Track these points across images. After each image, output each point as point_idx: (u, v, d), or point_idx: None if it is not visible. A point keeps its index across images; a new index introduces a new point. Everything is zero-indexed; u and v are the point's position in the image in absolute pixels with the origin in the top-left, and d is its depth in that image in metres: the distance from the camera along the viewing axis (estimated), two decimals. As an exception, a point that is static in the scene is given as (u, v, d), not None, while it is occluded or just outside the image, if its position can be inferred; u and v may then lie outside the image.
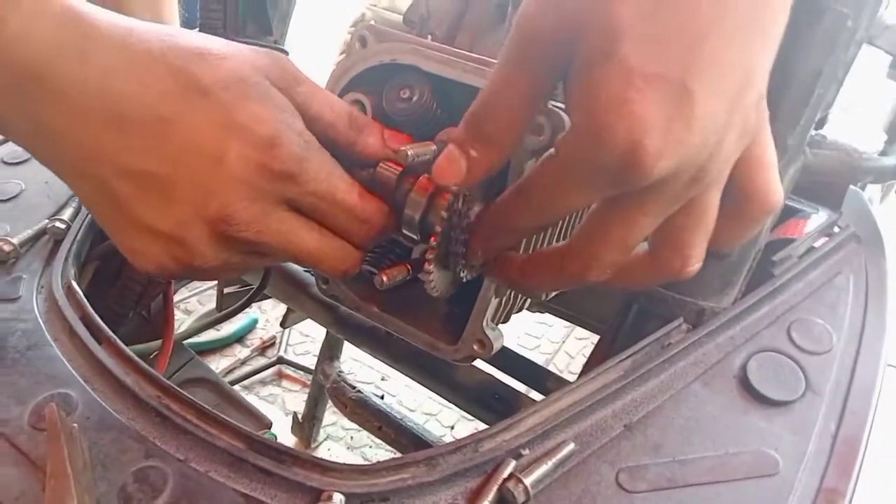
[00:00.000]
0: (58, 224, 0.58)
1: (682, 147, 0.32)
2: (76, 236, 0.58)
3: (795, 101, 0.47)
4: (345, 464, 0.43)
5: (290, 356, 1.37)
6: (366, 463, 0.43)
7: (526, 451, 0.43)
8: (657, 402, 0.46)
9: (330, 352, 1.09)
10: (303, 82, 0.45)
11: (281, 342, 1.40)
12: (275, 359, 1.35)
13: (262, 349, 1.39)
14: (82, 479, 0.40)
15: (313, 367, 1.14)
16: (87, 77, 0.40)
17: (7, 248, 0.56)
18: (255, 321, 1.42)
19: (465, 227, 0.46)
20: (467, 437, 0.44)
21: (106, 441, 0.44)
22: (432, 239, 0.46)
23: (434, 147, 0.49)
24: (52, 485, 0.38)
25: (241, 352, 1.40)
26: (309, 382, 1.29)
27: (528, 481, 0.40)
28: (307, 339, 1.44)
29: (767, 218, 0.40)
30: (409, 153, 0.47)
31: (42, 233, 0.58)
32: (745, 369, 0.46)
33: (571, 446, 0.43)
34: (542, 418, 0.44)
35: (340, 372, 1.07)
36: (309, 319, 0.91)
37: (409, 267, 0.52)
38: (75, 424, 0.44)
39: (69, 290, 0.53)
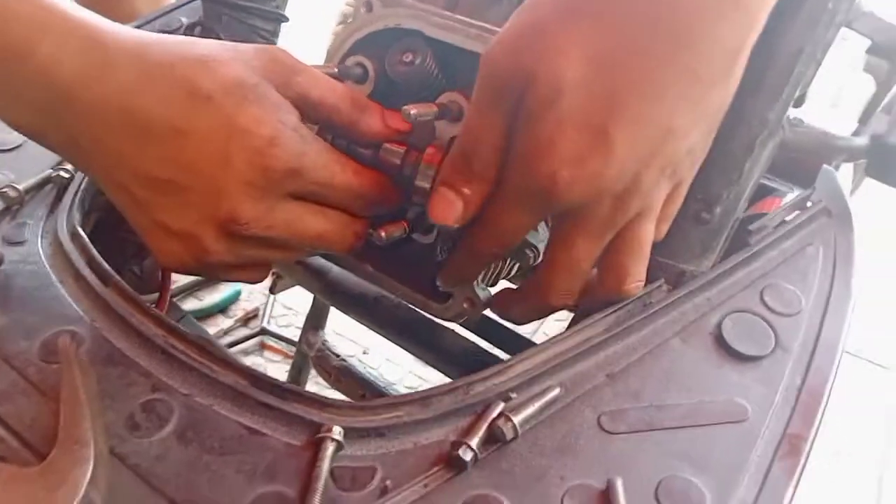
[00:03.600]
0: (62, 173, 0.59)
1: (598, 179, 0.41)
2: (80, 185, 0.59)
3: (777, 78, 0.50)
4: (343, 401, 0.45)
5: (272, 328, 1.39)
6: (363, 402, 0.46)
7: (514, 395, 0.46)
8: (637, 355, 0.48)
9: (315, 321, 1.11)
10: (300, 72, 0.48)
11: (264, 314, 1.42)
12: (258, 329, 1.37)
13: (245, 320, 1.41)
14: (92, 407, 0.42)
15: (296, 340, 1.16)
16: (109, 95, 0.44)
17: (13, 194, 0.57)
18: (239, 293, 1.43)
19: None
20: (459, 380, 0.46)
21: (113, 375, 0.46)
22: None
23: (436, 108, 0.51)
24: (67, 410, 0.40)
25: (223, 322, 1.41)
26: (291, 354, 1.31)
27: (516, 420, 0.43)
28: (290, 311, 1.46)
29: (616, 297, 0.49)
30: (411, 112, 0.49)
31: (46, 181, 0.60)
32: (721, 327, 0.49)
33: (557, 391, 0.46)
34: (530, 365, 0.47)
35: (325, 341, 1.09)
36: (292, 293, 0.93)
37: (406, 225, 0.54)
38: (84, 357, 0.46)
39: (74, 235, 0.55)
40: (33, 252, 0.54)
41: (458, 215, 0.47)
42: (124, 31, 0.46)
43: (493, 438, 0.43)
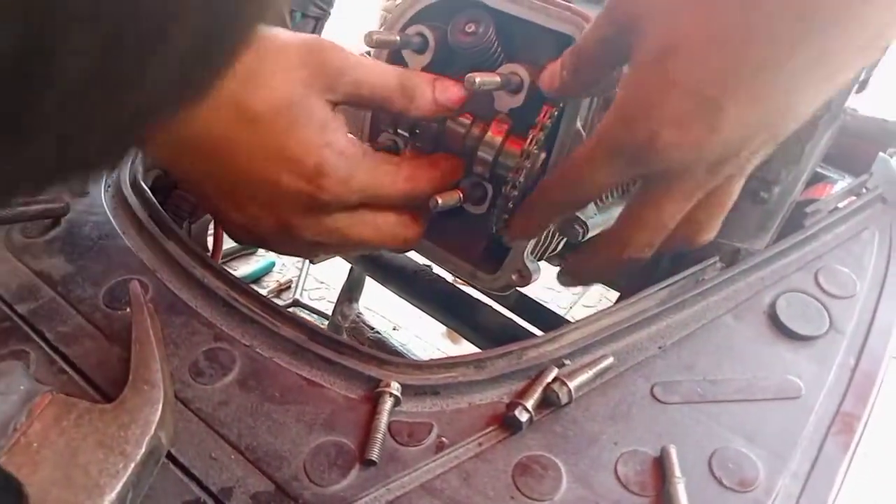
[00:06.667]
0: (124, 129, 0.60)
1: (699, 148, 0.39)
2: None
3: (844, 58, 0.49)
4: (400, 359, 0.46)
5: (305, 300, 1.40)
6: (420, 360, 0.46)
7: (568, 362, 0.46)
8: (690, 330, 0.49)
9: (350, 294, 1.12)
10: (347, 71, 0.48)
11: (297, 286, 1.43)
12: (290, 301, 1.39)
13: (278, 292, 1.43)
14: (160, 351, 0.43)
15: (327, 313, 1.17)
16: None
17: (77, 147, 0.59)
18: (273, 264, 1.45)
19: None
20: (513, 345, 0.47)
21: (177, 323, 0.47)
22: (512, 174, 0.50)
23: (499, 78, 0.52)
24: (138, 352, 0.41)
25: (256, 293, 1.43)
26: (322, 327, 1.33)
27: (571, 385, 0.44)
28: (322, 285, 1.47)
29: (686, 247, 0.47)
30: (476, 80, 0.50)
31: (109, 136, 0.61)
32: (775, 306, 0.49)
33: (611, 360, 0.46)
34: (583, 334, 0.48)
35: (360, 314, 1.10)
36: (325, 267, 0.94)
37: (462, 193, 0.55)
38: (150, 304, 0.47)
39: (136, 188, 0.56)
40: (97, 203, 0.56)
41: (555, 86, 0.48)
42: None
43: (548, 402, 0.44)
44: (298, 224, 0.47)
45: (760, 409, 0.44)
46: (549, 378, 0.45)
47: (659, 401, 0.45)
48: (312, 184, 0.45)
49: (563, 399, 0.43)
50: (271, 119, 0.45)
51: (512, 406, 0.43)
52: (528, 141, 0.48)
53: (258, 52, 0.46)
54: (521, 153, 0.51)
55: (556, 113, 0.48)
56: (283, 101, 0.45)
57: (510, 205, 0.52)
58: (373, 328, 1.08)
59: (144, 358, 0.41)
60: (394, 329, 1.39)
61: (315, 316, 1.39)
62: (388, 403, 0.42)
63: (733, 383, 0.45)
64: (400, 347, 1.05)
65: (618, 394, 0.45)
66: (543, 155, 0.52)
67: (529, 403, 0.43)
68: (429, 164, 0.53)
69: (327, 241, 0.49)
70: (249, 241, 0.51)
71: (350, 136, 0.48)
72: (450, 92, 0.53)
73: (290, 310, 1.37)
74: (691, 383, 0.45)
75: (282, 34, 0.49)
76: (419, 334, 1.37)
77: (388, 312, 1.38)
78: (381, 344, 1.06)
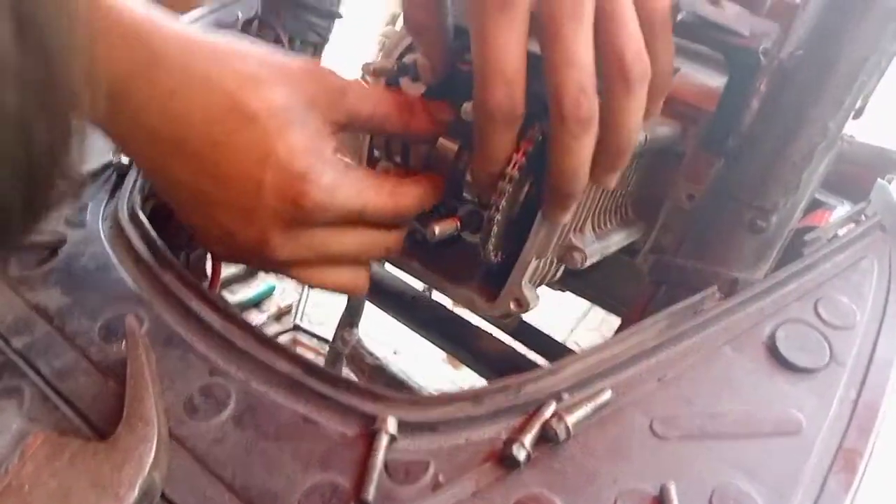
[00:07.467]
0: (122, 159, 0.61)
1: None
2: (139, 172, 0.60)
3: (839, 86, 0.49)
4: (395, 394, 0.45)
5: (305, 324, 1.40)
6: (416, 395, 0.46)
7: (566, 396, 0.46)
8: (689, 362, 0.48)
9: (350, 319, 1.12)
10: (348, 92, 0.48)
11: (297, 310, 1.43)
12: (290, 326, 1.38)
13: (278, 316, 1.42)
14: (154, 387, 0.43)
15: (327, 337, 1.17)
16: (151, 98, 0.44)
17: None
18: (273, 288, 1.45)
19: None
20: (511, 379, 0.46)
21: (172, 357, 0.47)
22: (495, 197, 0.50)
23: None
24: (133, 388, 0.41)
25: (256, 317, 1.43)
26: (323, 352, 1.32)
27: (569, 420, 0.43)
28: (322, 310, 1.47)
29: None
30: (469, 110, 0.50)
31: (107, 167, 0.61)
32: (774, 338, 0.49)
33: (609, 394, 0.46)
34: (581, 367, 0.47)
35: (359, 339, 1.10)
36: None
37: (458, 221, 0.55)
38: (146, 338, 0.47)
39: (134, 219, 0.56)
40: (94, 234, 0.56)
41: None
42: (173, 29, 0.45)
43: (546, 438, 0.43)
44: (272, 241, 0.46)
45: (761, 443, 0.44)
46: (548, 414, 0.44)
47: (658, 436, 0.44)
48: (297, 188, 0.45)
49: (562, 435, 0.43)
50: (266, 120, 0.44)
51: (509, 443, 0.42)
52: (511, 165, 0.48)
53: (261, 61, 0.46)
54: (502, 177, 0.51)
55: (539, 137, 0.48)
56: (282, 106, 0.45)
57: (493, 228, 0.52)
58: (373, 354, 1.07)
59: (139, 394, 0.41)
60: (394, 353, 1.39)
61: (315, 340, 1.39)
62: (383, 442, 0.42)
63: (733, 417, 0.45)
64: (401, 374, 1.04)
65: (617, 429, 0.44)
66: (531, 179, 0.51)
67: (527, 440, 0.42)
68: (412, 181, 0.52)
69: (304, 259, 0.49)
70: (226, 255, 0.51)
71: (338, 153, 0.48)
72: (443, 110, 0.53)
73: (291, 334, 1.37)
74: (690, 417, 0.45)
75: (281, 53, 0.49)
76: (419, 359, 1.37)
77: (387, 337, 1.38)
78: (381, 371, 1.06)
